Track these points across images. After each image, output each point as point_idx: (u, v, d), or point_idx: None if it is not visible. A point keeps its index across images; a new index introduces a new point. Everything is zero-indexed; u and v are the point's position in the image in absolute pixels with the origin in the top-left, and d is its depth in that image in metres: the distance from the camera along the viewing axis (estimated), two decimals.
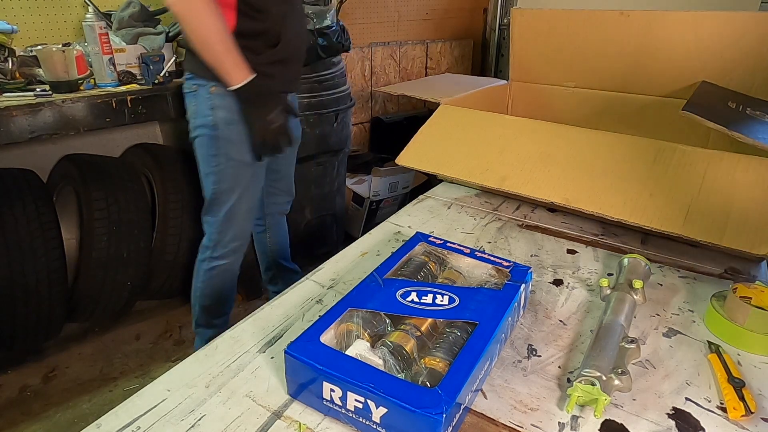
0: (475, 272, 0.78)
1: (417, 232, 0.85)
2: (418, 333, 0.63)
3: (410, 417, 0.50)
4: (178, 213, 1.80)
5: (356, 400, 0.53)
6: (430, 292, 0.68)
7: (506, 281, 0.72)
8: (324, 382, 0.55)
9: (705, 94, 1.19)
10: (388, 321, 0.66)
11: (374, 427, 0.53)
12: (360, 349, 0.59)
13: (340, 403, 0.55)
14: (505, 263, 0.76)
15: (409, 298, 0.66)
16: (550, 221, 1.07)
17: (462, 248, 0.80)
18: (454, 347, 0.61)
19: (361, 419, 0.54)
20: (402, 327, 0.64)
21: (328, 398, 0.56)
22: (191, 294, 1.54)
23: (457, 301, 0.66)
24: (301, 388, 0.59)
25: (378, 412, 0.52)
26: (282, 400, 0.60)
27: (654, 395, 0.61)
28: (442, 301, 0.66)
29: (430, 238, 0.83)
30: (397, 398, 0.51)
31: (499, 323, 0.62)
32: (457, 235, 1.01)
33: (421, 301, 0.66)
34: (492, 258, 0.78)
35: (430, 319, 0.65)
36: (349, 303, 0.65)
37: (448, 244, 0.81)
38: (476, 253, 0.79)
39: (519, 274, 0.74)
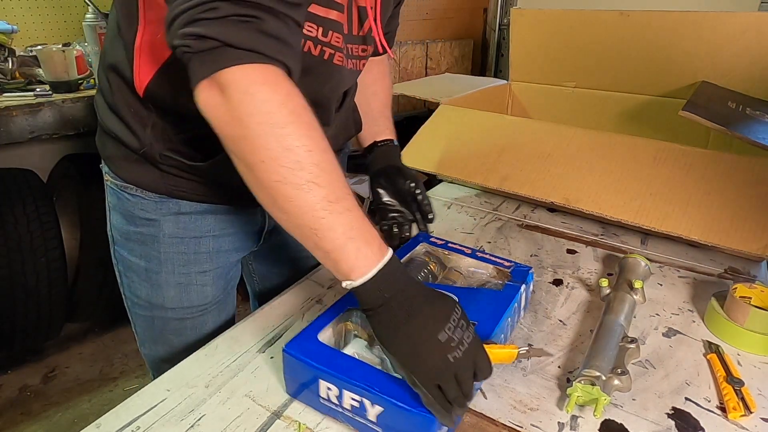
0: (475, 273, 0.78)
1: (419, 233, 0.85)
2: None
3: (406, 416, 0.50)
4: None
5: (352, 398, 0.53)
6: None
7: (507, 281, 0.72)
8: (320, 381, 0.55)
9: (705, 94, 1.19)
10: None
11: (371, 426, 0.53)
12: (357, 348, 0.59)
13: (336, 402, 0.55)
14: (506, 263, 0.76)
15: None
16: (550, 221, 1.07)
17: (463, 248, 0.80)
18: None
19: (357, 418, 0.54)
20: None
21: (325, 397, 0.56)
22: None
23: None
24: (301, 388, 0.59)
25: (374, 411, 0.52)
26: (282, 400, 0.60)
27: (654, 395, 0.61)
28: None
29: (432, 239, 0.83)
30: (393, 397, 0.51)
31: (497, 324, 0.62)
32: (457, 235, 1.01)
33: None
34: (493, 258, 0.78)
35: None
36: (348, 302, 0.65)
37: (450, 245, 0.81)
38: (477, 253, 0.79)
39: (520, 274, 0.74)
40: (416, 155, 1.22)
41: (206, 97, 0.49)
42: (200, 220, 0.77)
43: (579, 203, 1.00)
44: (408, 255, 0.79)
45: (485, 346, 0.53)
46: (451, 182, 1.25)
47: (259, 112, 0.47)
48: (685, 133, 1.22)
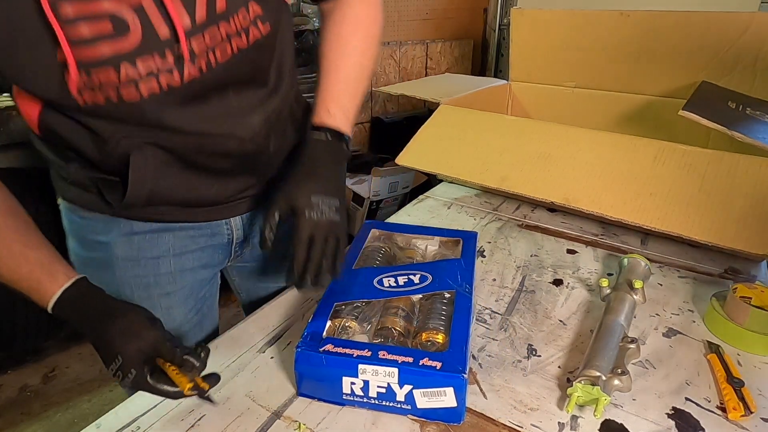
0: (428, 248, 0.84)
1: (366, 222, 0.89)
2: (404, 312, 0.67)
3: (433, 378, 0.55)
4: None
5: (378, 386, 0.56)
6: (403, 274, 0.72)
7: (460, 250, 0.80)
8: (343, 377, 0.57)
9: (705, 94, 1.19)
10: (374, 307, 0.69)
11: (399, 406, 0.57)
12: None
13: (362, 394, 0.57)
14: (451, 234, 0.84)
15: (386, 283, 0.70)
16: (550, 221, 1.07)
17: (409, 226, 0.89)
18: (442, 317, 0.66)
19: (385, 403, 0.57)
20: (390, 311, 0.67)
21: (348, 392, 0.57)
22: None
23: (430, 278, 0.71)
24: (319, 386, 0.60)
25: (402, 391, 0.56)
26: (282, 400, 0.60)
27: (654, 395, 0.61)
28: (416, 279, 0.71)
29: (378, 224, 0.89)
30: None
31: (472, 287, 0.69)
32: None
33: (399, 283, 0.70)
34: (438, 230, 0.86)
35: (410, 297, 0.70)
36: (334, 299, 0.67)
37: (398, 225, 0.89)
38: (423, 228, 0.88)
39: (469, 240, 0.82)
40: (416, 155, 1.22)
41: None
42: (156, 240, 0.70)
43: (579, 203, 1.00)
44: (365, 244, 0.82)
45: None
46: (451, 182, 1.25)
47: None
48: (685, 133, 1.21)
